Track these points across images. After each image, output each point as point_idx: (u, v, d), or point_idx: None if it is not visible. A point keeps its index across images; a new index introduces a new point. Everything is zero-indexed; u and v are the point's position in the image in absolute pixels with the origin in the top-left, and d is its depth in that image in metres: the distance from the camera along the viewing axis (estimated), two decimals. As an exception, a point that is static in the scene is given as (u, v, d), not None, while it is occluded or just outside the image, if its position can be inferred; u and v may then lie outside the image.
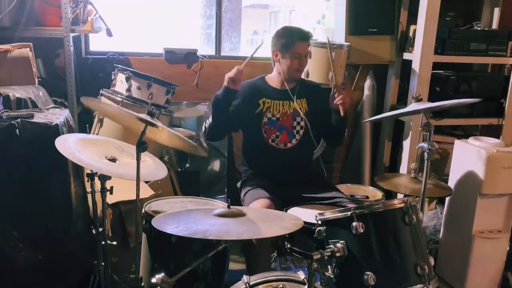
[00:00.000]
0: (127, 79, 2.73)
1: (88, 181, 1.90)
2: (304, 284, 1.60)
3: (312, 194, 2.41)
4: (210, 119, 2.44)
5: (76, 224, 2.16)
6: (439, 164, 3.37)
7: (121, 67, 2.83)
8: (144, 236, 1.93)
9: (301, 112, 2.49)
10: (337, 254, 1.53)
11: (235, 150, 2.74)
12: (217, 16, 3.49)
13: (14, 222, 1.98)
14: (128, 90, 2.73)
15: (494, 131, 3.43)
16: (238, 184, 2.59)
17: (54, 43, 2.95)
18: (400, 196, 2.92)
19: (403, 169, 3.41)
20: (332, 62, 2.83)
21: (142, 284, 1.75)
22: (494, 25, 3.58)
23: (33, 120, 1.97)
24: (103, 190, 1.91)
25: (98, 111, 2.63)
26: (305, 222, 1.61)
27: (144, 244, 1.93)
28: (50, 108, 2.25)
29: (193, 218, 1.59)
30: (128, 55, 3.27)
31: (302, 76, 3.06)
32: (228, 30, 3.63)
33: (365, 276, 1.49)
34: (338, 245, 1.54)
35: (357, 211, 1.55)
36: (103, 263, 2.02)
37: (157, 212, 1.92)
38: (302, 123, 2.50)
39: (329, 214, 1.61)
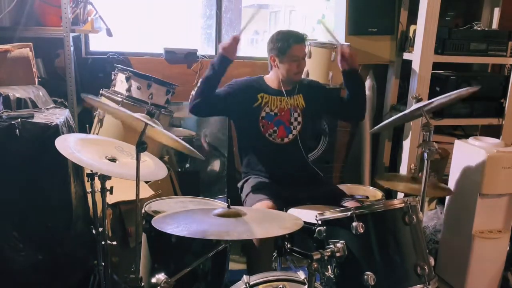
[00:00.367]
0: (127, 79, 2.73)
1: (88, 181, 1.91)
2: (304, 284, 1.60)
3: (312, 193, 2.41)
4: (199, 87, 2.43)
5: (76, 224, 2.16)
6: (439, 164, 3.37)
7: (121, 67, 2.83)
8: (144, 236, 1.93)
9: (298, 108, 2.52)
10: (337, 254, 1.53)
11: (235, 150, 2.75)
12: (217, 16, 3.49)
13: (14, 222, 1.97)
14: (128, 90, 2.74)
15: (494, 131, 3.43)
16: (239, 185, 2.59)
17: (54, 43, 2.95)
18: (400, 196, 2.93)
19: (403, 169, 3.41)
20: (331, 62, 2.84)
21: (142, 284, 1.75)
22: (494, 25, 3.58)
23: (33, 120, 1.97)
24: (103, 190, 1.91)
25: (100, 107, 2.64)
26: (305, 222, 1.61)
27: (144, 244, 1.93)
28: (50, 108, 2.24)
29: (193, 218, 1.59)
30: (128, 55, 3.27)
31: (303, 77, 3.07)
32: (228, 30, 3.63)
33: (365, 276, 1.49)
34: (338, 245, 1.54)
35: (357, 211, 1.55)
36: (103, 263, 2.03)
37: (157, 212, 1.91)
38: (300, 119, 2.52)
39: (329, 214, 1.61)
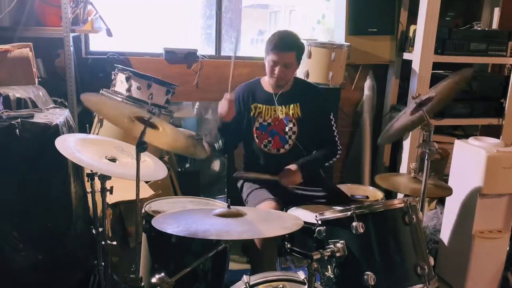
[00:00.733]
0: (127, 79, 2.73)
1: (88, 181, 1.90)
2: (304, 284, 1.60)
3: (312, 193, 2.41)
4: (220, 140, 2.48)
5: (76, 224, 2.16)
6: (439, 164, 3.37)
7: (121, 67, 2.82)
8: (144, 236, 1.93)
9: (293, 118, 2.48)
10: (337, 254, 1.53)
11: (235, 150, 2.75)
12: (217, 16, 3.49)
13: (14, 222, 1.97)
14: (128, 90, 2.73)
15: (494, 131, 3.44)
16: (239, 184, 2.58)
17: (54, 43, 2.95)
18: (400, 196, 2.92)
19: (403, 169, 3.41)
20: (331, 62, 2.83)
21: (142, 284, 1.75)
22: (494, 25, 3.58)
23: (33, 120, 1.96)
24: (103, 190, 1.91)
25: (98, 111, 2.63)
26: (305, 222, 1.61)
27: (144, 244, 1.93)
28: (50, 108, 2.24)
29: (193, 218, 1.59)
30: (128, 55, 3.27)
31: (303, 77, 3.07)
32: (228, 30, 3.63)
33: (365, 276, 1.49)
34: (338, 245, 1.54)
35: (357, 211, 1.55)
36: (103, 263, 2.02)
37: (157, 212, 1.92)
38: (295, 128, 2.49)
39: (329, 214, 1.61)
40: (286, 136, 2.48)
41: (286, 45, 2.36)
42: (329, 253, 1.52)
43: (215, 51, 3.55)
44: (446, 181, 2.86)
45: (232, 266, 2.72)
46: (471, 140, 2.72)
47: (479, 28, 3.48)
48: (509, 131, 3.45)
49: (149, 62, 3.31)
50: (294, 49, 2.38)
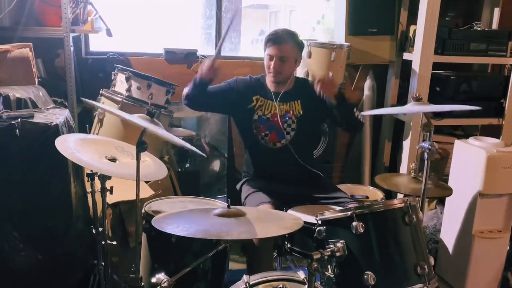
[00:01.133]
0: (127, 79, 2.73)
1: (88, 181, 1.90)
2: (304, 284, 1.60)
3: (314, 194, 2.41)
4: (190, 86, 2.41)
5: (76, 224, 2.16)
6: (439, 164, 3.37)
7: (121, 67, 2.82)
8: (144, 236, 1.93)
9: (293, 116, 2.48)
10: (337, 254, 1.53)
11: (235, 150, 2.75)
12: (217, 16, 3.49)
13: (14, 222, 1.97)
14: (128, 90, 2.73)
15: (494, 131, 3.43)
16: (238, 186, 2.59)
17: (54, 43, 2.95)
18: (400, 196, 2.92)
19: (403, 169, 3.41)
20: (331, 62, 2.83)
21: (142, 284, 1.75)
22: (494, 25, 3.58)
23: (33, 120, 1.96)
24: (103, 190, 1.91)
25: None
26: (305, 222, 1.61)
27: (144, 244, 1.93)
28: (50, 108, 2.24)
29: (193, 218, 1.59)
30: (128, 55, 3.27)
31: (303, 76, 3.07)
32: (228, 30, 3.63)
33: (365, 276, 1.49)
34: (338, 245, 1.54)
35: (357, 211, 1.55)
36: (103, 263, 2.02)
37: (157, 212, 1.92)
38: (294, 126, 2.49)
39: (329, 214, 1.61)
40: (284, 132, 2.49)
41: (280, 38, 2.41)
42: (329, 253, 1.52)
43: (215, 51, 3.55)
44: (446, 181, 2.86)
45: (232, 266, 2.72)
46: (471, 140, 2.72)
47: (479, 28, 3.48)
48: (509, 131, 3.45)
49: (149, 62, 3.31)
50: (288, 41, 2.41)
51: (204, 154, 2.11)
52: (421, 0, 3.14)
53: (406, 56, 3.45)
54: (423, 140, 2.06)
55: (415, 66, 3.24)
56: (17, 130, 1.90)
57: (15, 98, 2.11)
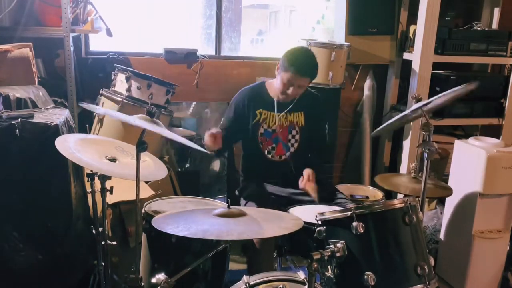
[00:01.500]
0: (127, 79, 2.73)
1: (88, 181, 1.90)
2: (304, 284, 1.60)
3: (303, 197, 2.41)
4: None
5: (76, 224, 2.16)
6: (439, 164, 3.37)
7: (121, 67, 2.82)
8: (144, 236, 1.93)
9: (296, 126, 2.49)
10: (337, 254, 1.53)
11: (235, 150, 2.75)
12: (217, 16, 3.49)
13: (14, 222, 1.97)
14: (128, 90, 2.73)
15: (494, 131, 3.44)
16: (237, 192, 2.58)
17: (54, 43, 2.95)
18: (400, 196, 2.92)
19: (403, 169, 3.41)
20: (331, 62, 2.82)
21: (142, 284, 1.75)
22: (494, 25, 3.58)
23: (33, 120, 1.96)
24: (103, 190, 1.91)
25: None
26: (305, 222, 1.61)
27: (144, 244, 1.93)
28: (50, 108, 2.24)
29: (193, 218, 1.59)
30: (128, 55, 3.27)
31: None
32: (228, 30, 3.63)
33: (365, 276, 1.49)
34: (338, 245, 1.54)
35: (357, 211, 1.55)
36: (103, 263, 2.02)
37: (157, 212, 1.91)
38: (297, 137, 2.51)
39: (329, 214, 1.61)
40: (289, 144, 2.50)
41: (307, 73, 2.36)
42: (329, 253, 1.52)
43: (215, 51, 3.55)
44: (446, 181, 2.86)
45: (232, 266, 2.72)
46: (471, 140, 2.72)
47: (479, 28, 3.48)
48: (509, 131, 3.45)
49: (149, 62, 3.31)
50: (311, 76, 2.39)
51: (206, 151, 2.11)
52: (421, 0, 3.14)
53: (406, 56, 3.45)
54: (423, 140, 2.05)
55: (415, 66, 3.24)
56: (17, 130, 1.90)
57: (15, 98, 2.11)
